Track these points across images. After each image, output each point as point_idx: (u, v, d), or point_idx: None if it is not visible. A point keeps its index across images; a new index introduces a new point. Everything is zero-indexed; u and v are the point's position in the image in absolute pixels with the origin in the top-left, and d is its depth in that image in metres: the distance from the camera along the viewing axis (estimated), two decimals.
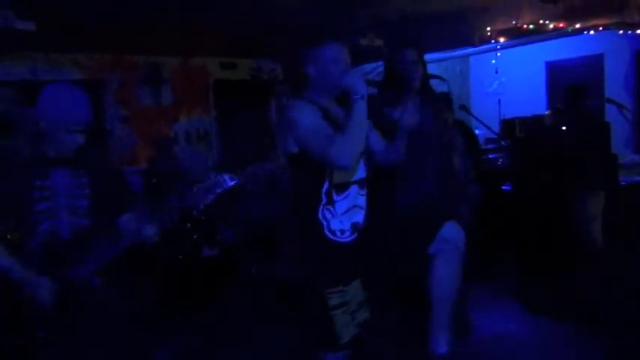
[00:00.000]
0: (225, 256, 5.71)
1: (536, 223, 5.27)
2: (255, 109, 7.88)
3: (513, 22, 6.04)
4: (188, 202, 2.36)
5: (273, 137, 7.83)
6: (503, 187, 5.93)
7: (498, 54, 7.31)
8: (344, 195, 2.48)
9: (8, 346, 2.26)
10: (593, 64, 7.46)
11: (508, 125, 6.92)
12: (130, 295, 2.58)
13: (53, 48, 6.19)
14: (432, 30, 5.62)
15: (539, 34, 6.09)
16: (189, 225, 5.34)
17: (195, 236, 5.43)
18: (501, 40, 6.35)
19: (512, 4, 5.35)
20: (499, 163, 6.36)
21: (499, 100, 7.59)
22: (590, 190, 4.83)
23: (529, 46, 6.94)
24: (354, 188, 2.51)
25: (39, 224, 2.30)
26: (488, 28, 6.29)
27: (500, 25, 6.18)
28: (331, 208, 2.46)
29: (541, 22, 5.92)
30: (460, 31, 6.12)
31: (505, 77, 7.76)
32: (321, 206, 2.45)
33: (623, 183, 5.66)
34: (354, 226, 2.51)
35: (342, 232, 2.49)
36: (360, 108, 2.33)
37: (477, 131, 7.02)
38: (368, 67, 2.40)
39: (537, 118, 6.69)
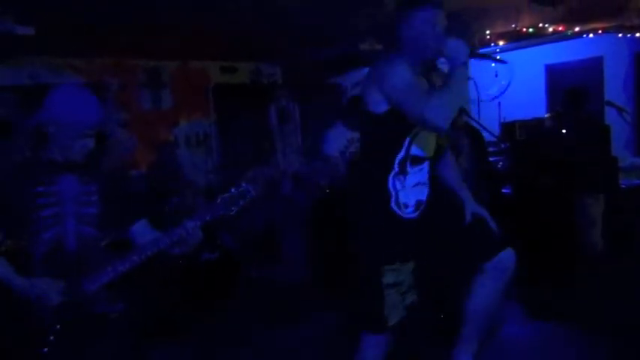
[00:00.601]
0: (225, 260, 5.70)
1: (536, 226, 5.27)
2: (254, 113, 7.88)
3: (513, 26, 6.05)
4: (210, 215, 2.23)
5: (272, 141, 7.85)
6: (503, 190, 5.93)
7: (498, 57, 7.31)
8: (417, 168, 2.40)
9: None
10: (593, 67, 7.47)
11: (508, 128, 6.93)
12: (139, 310, 2.43)
13: (53, 52, 6.19)
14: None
15: (539, 37, 6.10)
16: None
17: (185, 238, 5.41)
18: (501, 43, 6.36)
19: (512, 7, 5.36)
20: (499, 166, 6.37)
21: (499, 103, 7.59)
22: (590, 193, 4.83)
23: (529, 49, 6.96)
24: (427, 164, 2.43)
25: (43, 232, 2.17)
26: (488, 32, 6.30)
27: (500, 29, 6.19)
28: (402, 179, 2.38)
29: (540, 25, 5.93)
30: (459, 35, 6.11)
31: (505, 80, 7.76)
32: (392, 175, 2.37)
33: (623, 186, 5.67)
34: (418, 204, 2.44)
35: (406, 206, 2.41)
36: (461, 75, 2.25)
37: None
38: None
39: (537, 121, 6.70)
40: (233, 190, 2.23)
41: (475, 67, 8.34)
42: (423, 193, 2.45)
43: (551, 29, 5.94)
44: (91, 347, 2.19)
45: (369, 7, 5.04)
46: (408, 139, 2.34)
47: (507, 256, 2.61)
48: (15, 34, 4.53)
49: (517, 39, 6.19)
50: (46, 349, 2.12)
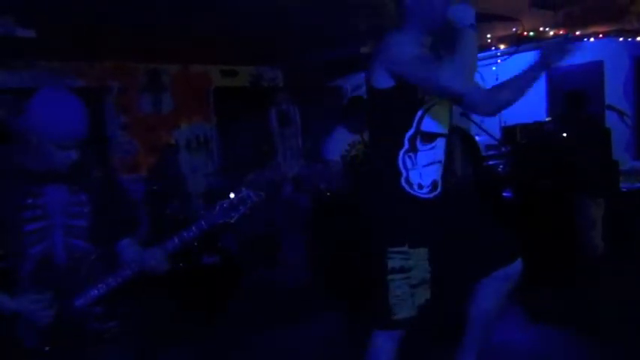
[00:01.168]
0: (225, 263, 5.70)
1: (537, 230, 5.26)
2: (255, 116, 7.89)
3: (514, 30, 6.06)
4: (208, 224, 2.10)
5: (273, 144, 7.85)
6: (503, 194, 5.92)
7: (499, 61, 7.32)
8: (429, 146, 2.28)
9: None
10: (593, 71, 7.48)
11: (509, 132, 6.92)
12: (135, 326, 2.29)
13: (54, 55, 6.19)
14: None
15: (540, 42, 6.11)
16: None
17: (195, 243, 5.42)
18: (501, 47, 6.37)
19: (513, 11, 5.36)
20: (499, 169, 6.36)
21: None
22: (590, 196, 4.83)
23: (529, 53, 6.95)
24: (440, 141, 2.31)
25: (30, 247, 2.00)
26: (489, 35, 6.30)
27: (501, 33, 6.20)
28: (413, 156, 2.26)
29: (541, 29, 5.93)
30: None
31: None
32: (402, 152, 2.25)
33: (624, 189, 5.66)
34: (434, 184, 2.31)
35: (420, 186, 2.28)
36: (470, 36, 2.14)
37: (477, 138, 7.04)
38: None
39: (538, 125, 6.70)
40: (233, 196, 2.13)
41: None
42: (438, 173, 2.33)
43: (551, 33, 5.94)
44: None
45: (370, 9, 5.04)
46: (418, 115, 2.24)
47: (516, 264, 2.54)
48: (16, 36, 4.53)
49: (518, 43, 6.19)
50: None
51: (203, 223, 2.11)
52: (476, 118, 4.60)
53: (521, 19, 5.68)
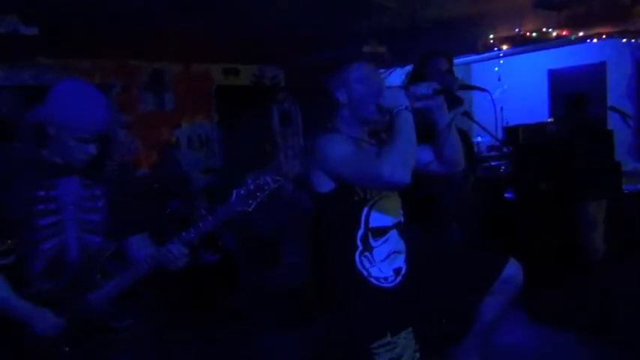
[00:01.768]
0: (225, 263, 5.70)
1: (538, 231, 5.25)
2: (257, 115, 7.88)
3: (516, 30, 6.05)
4: (225, 213, 2.01)
5: (274, 143, 7.84)
6: (505, 195, 5.91)
7: (501, 61, 7.31)
8: (382, 240, 2.21)
9: None
10: (596, 72, 7.47)
11: (511, 132, 6.92)
12: (148, 324, 2.27)
13: (57, 53, 6.20)
14: (434, 37, 5.62)
15: (543, 42, 6.10)
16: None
17: (201, 238, 5.41)
18: (504, 47, 6.35)
19: (516, 11, 5.35)
20: (501, 170, 6.36)
21: (501, 108, 7.58)
22: (592, 198, 4.81)
23: (531, 53, 6.95)
24: (393, 233, 2.25)
25: (42, 242, 1.96)
26: (492, 36, 6.30)
27: (504, 33, 6.19)
28: (369, 255, 2.19)
29: (544, 29, 5.92)
30: (463, 39, 6.12)
31: (508, 85, 7.76)
32: (357, 254, 2.18)
33: (626, 191, 5.65)
34: (397, 271, 2.25)
35: (385, 279, 2.21)
36: (405, 117, 2.05)
37: (479, 138, 7.03)
38: (420, 88, 1.99)
39: (540, 126, 6.69)
40: (250, 182, 2.01)
41: (478, 70, 8.37)
42: (399, 261, 2.26)
43: (555, 34, 5.93)
44: None
45: (372, 9, 5.04)
46: (364, 213, 2.17)
47: (514, 269, 2.49)
48: (20, 34, 4.53)
49: (521, 43, 6.18)
50: None
51: (220, 212, 2.01)
52: (477, 118, 4.58)
53: (524, 19, 5.67)
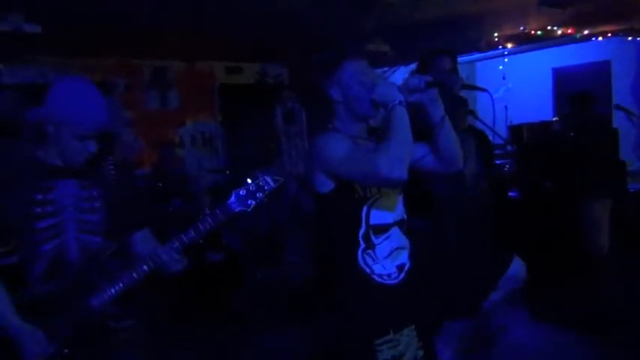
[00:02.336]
0: (229, 261, 5.70)
1: (542, 230, 5.24)
2: (260, 114, 7.87)
3: (521, 28, 6.02)
4: (224, 214, 2.00)
5: (278, 142, 7.83)
6: (509, 194, 5.90)
7: (506, 59, 7.29)
8: (384, 237, 2.21)
9: None
10: (601, 71, 7.44)
11: (515, 131, 6.90)
12: (149, 325, 2.26)
13: (60, 51, 6.20)
14: (438, 35, 5.61)
15: (547, 40, 6.07)
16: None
17: (200, 240, 5.41)
18: (509, 45, 6.33)
19: (521, 9, 5.33)
20: (505, 169, 6.34)
21: (505, 106, 7.56)
22: (597, 197, 4.80)
23: (536, 52, 6.92)
24: (395, 230, 2.24)
25: (42, 244, 1.96)
26: (496, 34, 6.27)
27: (508, 31, 6.17)
28: (372, 253, 2.19)
29: (549, 28, 5.90)
30: (467, 37, 6.10)
31: (512, 83, 7.73)
32: (360, 251, 2.18)
33: (631, 190, 5.63)
34: (400, 268, 2.25)
35: (389, 275, 2.22)
36: (399, 113, 2.04)
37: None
38: (413, 80, 2.15)
39: (545, 124, 6.66)
40: (249, 182, 2.01)
41: (482, 68, 8.35)
42: (402, 257, 2.27)
43: (559, 32, 5.90)
44: None
45: (376, 7, 5.02)
46: (364, 211, 2.17)
47: (518, 266, 2.52)
48: (23, 31, 4.53)
49: (525, 41, 6.16)
50: None
51: (219, 213, 2.00)
52: (482, 116, 4.56)
53: (529, 17, 5.64)
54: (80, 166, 2.01)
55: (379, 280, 2.20)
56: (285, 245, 6.07)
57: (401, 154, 1.99)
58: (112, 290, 1.99)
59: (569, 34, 5.95)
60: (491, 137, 6.28)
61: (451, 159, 2.32)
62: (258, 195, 2.01)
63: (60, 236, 1.98)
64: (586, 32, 5.98)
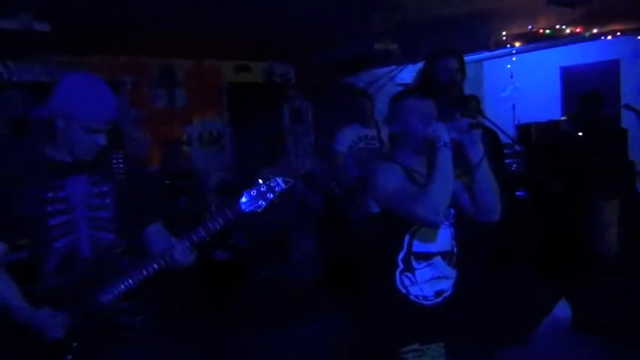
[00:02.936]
0: (236, 259, 5.71)
1: (550, 231, 5.22)
2: (268, 112, 7.88)
3: (529, 27, 5.99)
4: (234, 213, 1.98)
5: (285, 140, 7.84)
6: (517, 193, 5.88)
7: (514, 58, 7.26)
8: (425, 264, 2.23)
9: None
10: (609, 70, 7.40)
11: (524, 130, 6.87)
12: (159, 321, 2.24)
13: (68, 49, 6.23)
14: (446, 34, 5.59)
15: (556, 39, 6.04)
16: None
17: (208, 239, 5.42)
18: (517, 44, 6.30)
19: (529, 8, 5.31)
20: (513, 168, 6.32)
21: (513, 105, 7.53)
22: (605, 197, 4.77)
23: (544, 51, 6.89)
24: (437, 260, 2.25)
25: (54, 241, 1.96)
26: (504, 33, 6.25)
27: (516, 30, 6.14)
28: (410, 275, 2.22)
29: (557, 26, 5.86)
30: (475, 35, 6.08)
31: (520, 82, 7.71)
32: (398, 272, 2.22)
33: None
34: (438, 294, 2.25)
35: (425, 297, 2.23)
36: (444, 156, 2.12)
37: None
38: (465, 121, 2.23)
39: (553, 124, 6.64)
40: (260, 183, 2.00)
41: (490, 67, 8.32)
42: (444, 284, 2.27)
43: (568, 31, 5.87)
44: None
45: (384, 6, 5.02)
46: (407, 237, 2.22)
47: (563, 310, 2.46)
48: (32, 29, 4.55)
49: (533, 40, 6.12)
50: None
51: (229, 212, 1.99)
52: (489, 115, 4.55)
53: (537, 16, 5.62)
54: (90, 160, 2.02)
55: (414, 299, 2.23)
56: (292, 244, 6.08)
57: (442, 200, 2.10)
58: (122, 286, 1.98)
59: (578, 32, 5.91)
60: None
61: (487, 207, 2.31)
62: (268, 196, 2.00)
63: (72, 233, 1.99)
64: (595, 31, 5.94)
